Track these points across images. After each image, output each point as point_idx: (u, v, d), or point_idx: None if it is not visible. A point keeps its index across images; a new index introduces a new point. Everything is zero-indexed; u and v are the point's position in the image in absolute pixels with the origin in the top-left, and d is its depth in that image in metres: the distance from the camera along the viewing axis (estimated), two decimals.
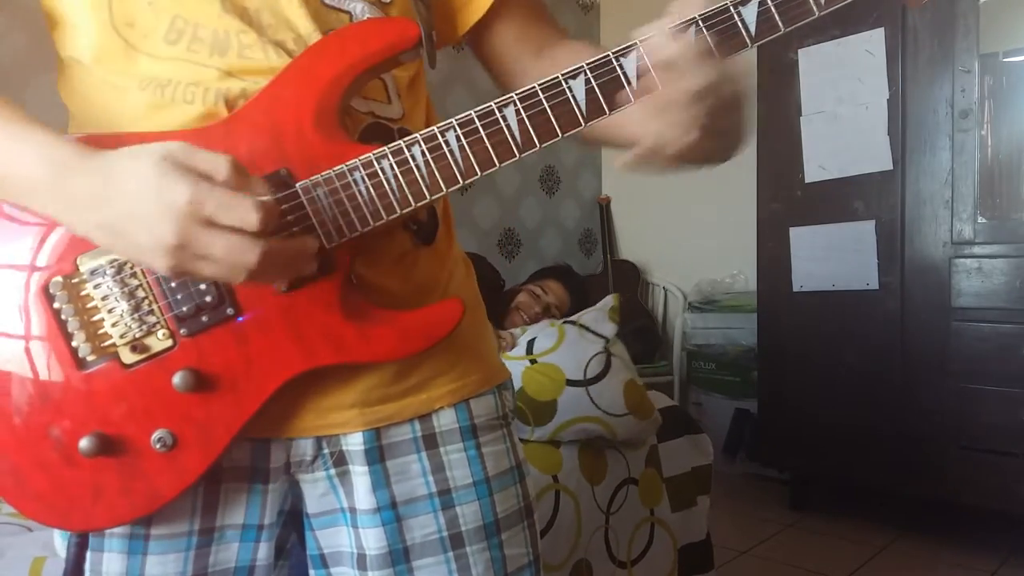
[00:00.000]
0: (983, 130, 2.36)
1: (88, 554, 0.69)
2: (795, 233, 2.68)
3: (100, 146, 0.59)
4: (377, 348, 0.66)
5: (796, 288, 2.69)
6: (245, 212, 0.53)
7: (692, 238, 3.55)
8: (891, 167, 2.47)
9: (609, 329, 1.82)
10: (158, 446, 0.62)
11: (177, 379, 0.62)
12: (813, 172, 2.62)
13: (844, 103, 2.51)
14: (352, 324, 0.64)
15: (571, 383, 1.66)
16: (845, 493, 2.90)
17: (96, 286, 0.62)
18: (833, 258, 2.60)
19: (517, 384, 1.64)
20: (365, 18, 0.70)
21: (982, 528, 2.50)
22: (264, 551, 0.70)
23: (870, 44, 2.47)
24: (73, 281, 0.62)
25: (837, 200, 2.58)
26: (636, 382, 1.75)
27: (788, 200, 2.69)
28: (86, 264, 0.62)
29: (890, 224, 2.49)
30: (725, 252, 3.37)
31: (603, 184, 3.95)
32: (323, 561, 0.75)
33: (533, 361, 1.70)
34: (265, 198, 0.55)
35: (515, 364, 1.71)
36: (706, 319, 3.31)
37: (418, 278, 0.74)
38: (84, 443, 0.61)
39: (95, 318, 0.62)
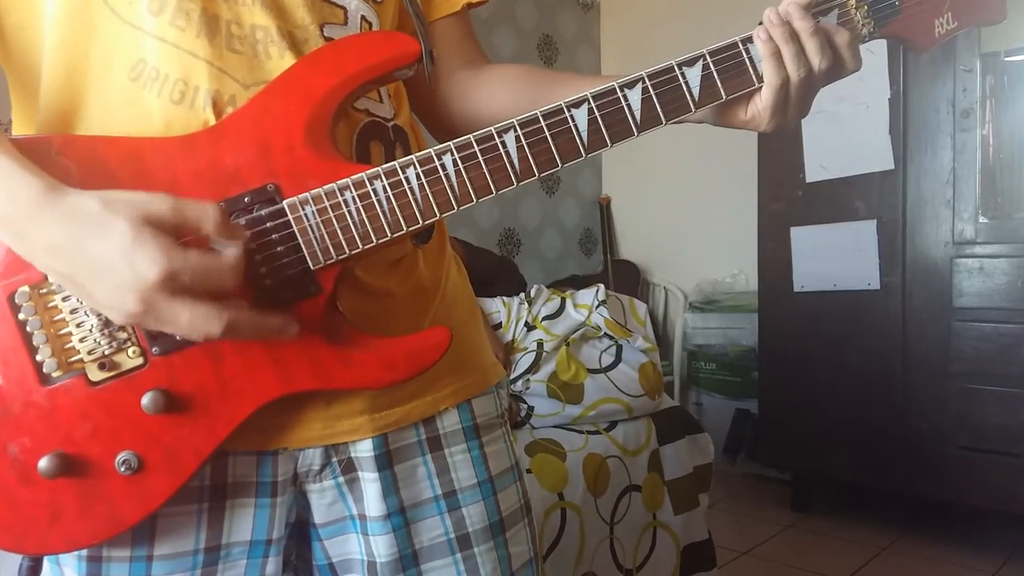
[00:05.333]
0: (984, 129, 2.35)
1: None
2: (796, 233, 2.67)
3: (75, 152, 0.56)
4: (359, 375, 0.63)
5: (797, 288, 2.68)
6: (221, 276, 0.52)
7: (692, 238, 3.54)
8: (892, 167, 2.46)
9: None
10: (122, 469, 0.58)
11: (146, 400, 0.58)
12: (814, 172, 2.61)
13: (845, 102, 2.50)
14: (334, 349, 0.61)
15: (592, 371, 1.93)
16: (846, 493, 2.90)
17: (65, 298, 0.58)
18: (834, 258, 2.59)
19: (551, 368, 1.91)
20: (359, 16, 0.69)
21: (983, 528, 2.50)
22: (272, 566, 0.68)
23: (871, 43, 2.45)
24: (41, 291, 0.58)
25: (838, 200, 2.58)
26: (648, 367, 1.97)
27: (789, 200, 2.68)
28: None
29: (891, 224, 2.48)
30: (725, 252, 3.36)
31: (603, 184, 3.94)
32: (332, 571, 0.74)
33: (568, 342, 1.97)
34: (235, 250, 0.53)
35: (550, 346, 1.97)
36: (706, 319, 3.30)
37: (417, 278, 0.73)
38: (44, 463, 0.57)
39: (62, 331, 0.58)
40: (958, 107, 2.34)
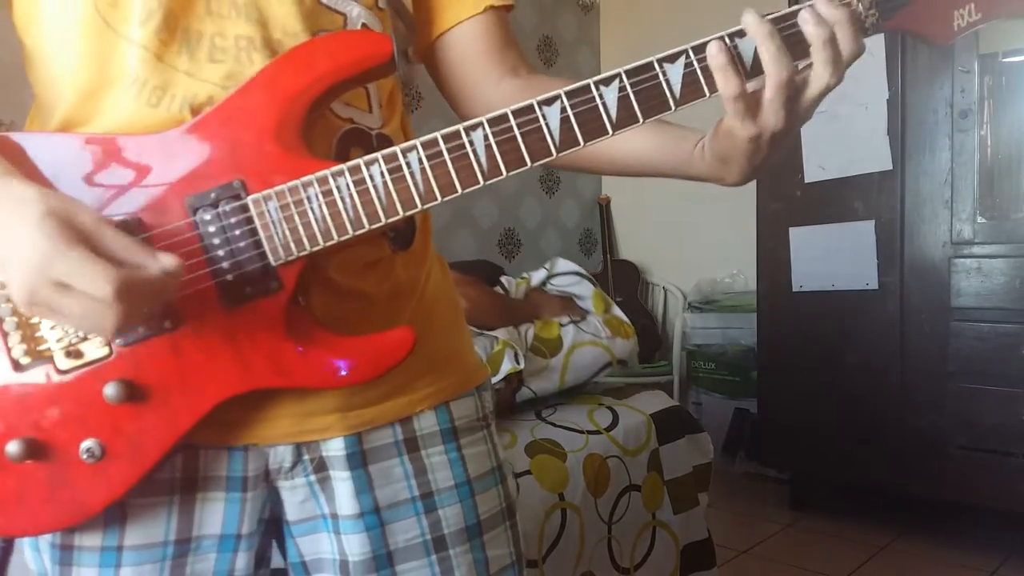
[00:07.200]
0: (983, 130, 2.36)
1: (58, 568, 0.67)
2: (795, 233, 2.68)
3: (50, 149, 0.59)
4: (320, 374, 0.63)
5: (796, 288, 2.69)
6: (95, 281, 0.51)
7: (692, 238, 3.55)
8: (891, 167, 2.47)
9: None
10: (85, 456, 0.60)
11: (109, 389, 0.59)
12: (813, 172, 2.62)
13: (844, 103, 2.51)
14: (296, 346, 0.62)
15: (562, 324, 2.11)
16: (845, 493, 2.90)
17: None
18: (833, 258, 2.60)
19: (531, 333, 2.08)
20: (360, 23, 0.69)
21: (982, 528, 2.51)
22: (243, 561, 0.69)
23: (870, 44, 2.41)
24: None
25: (837, 200, 2.59)
26: (612, 319, 2.18)
27: (788, 200, 2.69)
28: None
29: (890, 224, 2.49)
30: (725, 252, 3.37)
31: (603, 184, 3.95)
32: (304, 569, 0.74)
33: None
34: (168, 264, 0.52)
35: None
36: (706, 319, 3.31)
37: (394, 281, 0.73)
38: (12, 447, 0.59)
39: (33, 320, 0.60)
40: (956, 108, 2.35)
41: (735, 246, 3.23)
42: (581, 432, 1.87)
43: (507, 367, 1.90)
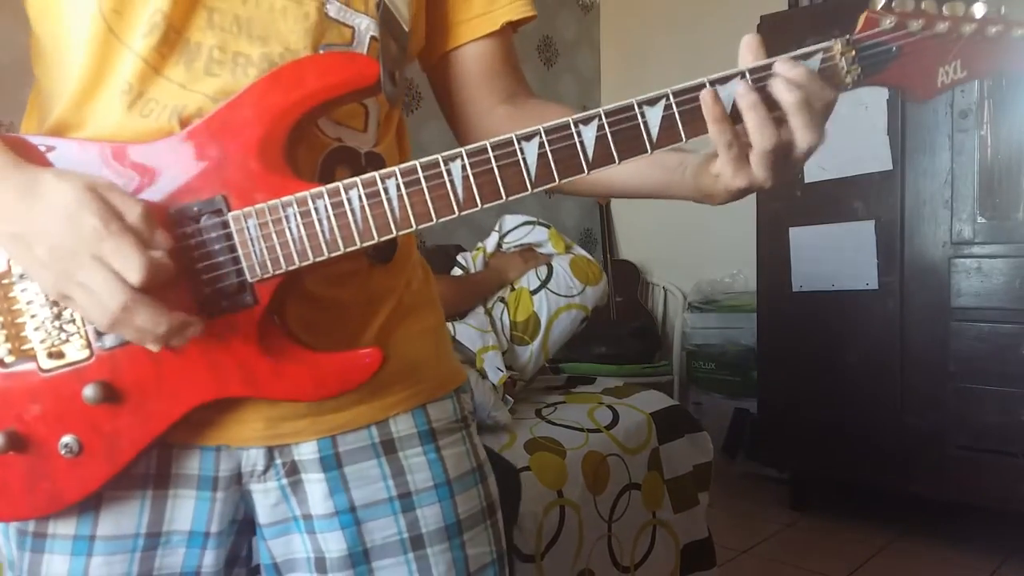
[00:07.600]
0: (983, 130, 2.36)
1: (28, 555, 0.69)
2: (795, 233, 2.68)
3: (39, 151, 0.61)
4: (289, 387, 0.65)
5: (796, 288, 2.69)
6: (131, 264, 0.54)
7: (692, 238, 3.55)
8: (891, 167, 2.47)
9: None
10: (63, 451, 0.63)
11: (87, 390, 0.62)
12: (813, 172, 2.62)
13: (844, 103, 2.44)
14: (267, 359, 0.64)
15: (533, 292, 2.08)
16: (845, 493, 2.91)
17: (23, 289, 0.62)
18: (833, 258, 2.60)
19: (506, 319, 2.06)
20: (369, 37, 0.69)
21: (982, 528, 2.51)
22: (211, 559, 0.70)
23: None
24: (3, 282, 0.62)
25: (837, 200, 2.59)
26: (577, 259, 2.13)
27: (788, 200, 2.69)
28: (18, 266, 0.62)
29: (890, 224, 2.49)
30: (725, 252, 3.37)
31: None
32: (276, 570, 0.75)
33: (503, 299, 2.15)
34: (157, 253, 0.56)
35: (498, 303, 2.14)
36: (706, 319, 3.31)
37: (372, 289, 0.73)
38: None
39: (18, 320, 0.63)
40: (956, 108, 2.35)
41: (735, 246, 3.23)
42: (581, 430, 1.87)
43: (495, 379, 1.90)
